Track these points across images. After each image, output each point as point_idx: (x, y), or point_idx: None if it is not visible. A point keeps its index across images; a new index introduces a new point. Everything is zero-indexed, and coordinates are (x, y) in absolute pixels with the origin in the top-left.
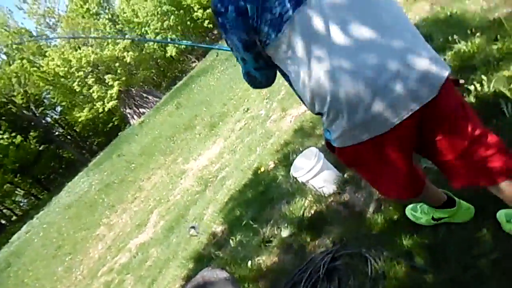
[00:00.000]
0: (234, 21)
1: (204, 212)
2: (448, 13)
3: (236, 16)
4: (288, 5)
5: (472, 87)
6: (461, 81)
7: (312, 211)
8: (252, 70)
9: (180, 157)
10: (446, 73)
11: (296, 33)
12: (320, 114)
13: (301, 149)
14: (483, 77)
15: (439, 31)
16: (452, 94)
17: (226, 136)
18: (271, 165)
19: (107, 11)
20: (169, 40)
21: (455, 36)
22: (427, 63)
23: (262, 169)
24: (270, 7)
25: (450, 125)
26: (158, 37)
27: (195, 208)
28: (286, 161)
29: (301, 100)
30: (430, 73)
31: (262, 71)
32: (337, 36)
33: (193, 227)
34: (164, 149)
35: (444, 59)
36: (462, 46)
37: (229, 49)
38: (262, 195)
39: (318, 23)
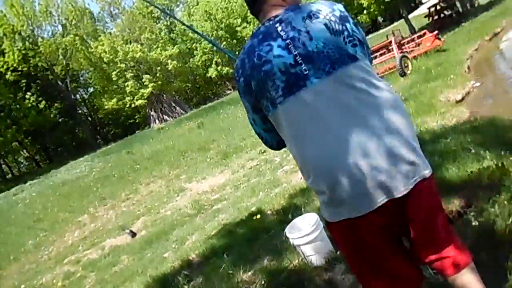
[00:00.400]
0: (243, 88)
1: (187, 237)
2: (485, 126)
3: (244, 85)
4: (281, 92)
5: (491, 210)
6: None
7: (293, 278)
8: (262, 132)
9: (185, 174)
10: (423, 172)
11: (285, 116)
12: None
13: (303, 210)
14: (505, 203)
15: (471, 141)
16: (427, 196)
17: (234, 170)
18: (269, 215)
19: (167, 18)
20: (205, 35)
21: (486, 152)
22: (406, 161)
23: (258, 216)
24: (268, 89)
25: (416, 228)
26: (205, 57)
27: (180, 229)
28: (284, 216)
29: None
30: (406, 171)
31: (271, 133)
32: (321, 126)
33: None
34: (172, 161)
35: (471, 172)
36: (491, 163)
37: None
38: (249, 242)
39: (305, 112)
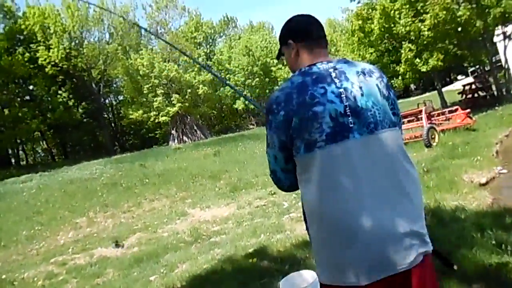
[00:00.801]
0: (279, 123)
1: (178, 264)
2: (509, 217)
3: (282, 120)
4: (324, 137)
5: None
6: (455, 266)
7: None
8: (279, 171)
9: (190, 198)
10: (430, 247)
11: (320, 161)
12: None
13: (301, 264)
14: None
15: (492, 230)
16: (425, 276)
17: (241, 205)
18: (265, 261)
19: (208, 46)
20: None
21: (508, 247)
22: (420, 235)
23: (255, 260)
24: (310, 130)
25: None
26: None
27: (173, 255)
28: (281, 266)
29: (304, 218)
30: (419, 244)
31: (288, 174)
32: (354, 181)
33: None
34: (182, 183)
35: (489, 265)
36: (510, 259)
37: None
38: (239, 286)
39: (342, 164)
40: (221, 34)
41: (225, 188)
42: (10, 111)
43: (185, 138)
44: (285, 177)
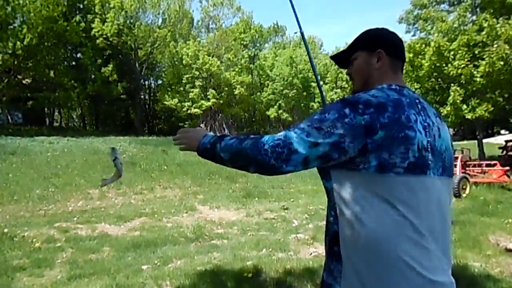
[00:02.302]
0: (357, 126)
1: (173, 259)
2: None
3: (363, 125)
4: (406, 165)
5: None
6: None
7: None
8: (300, 154)
9: (202, 195)
10: None
11: (395, 189)
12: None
13: None
14: None
15: None
16: None
17: (250, 213)
18: (261, 278)
19: (252, 49)
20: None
21: None
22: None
23: (250, 275)
24: (393, 152)
25: None
26: (272, 96)
27: (171, 248)
28: (276, 286)
29: (327, 244)
30: None
31: (303, 167)
32: (423, 222)
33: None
34: (198, 178)
35: None
36: None
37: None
38: None
39: (414, 198)
40: (268, 40)
41: (239, 192)
42: (55, 74)
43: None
44: (296, 164)
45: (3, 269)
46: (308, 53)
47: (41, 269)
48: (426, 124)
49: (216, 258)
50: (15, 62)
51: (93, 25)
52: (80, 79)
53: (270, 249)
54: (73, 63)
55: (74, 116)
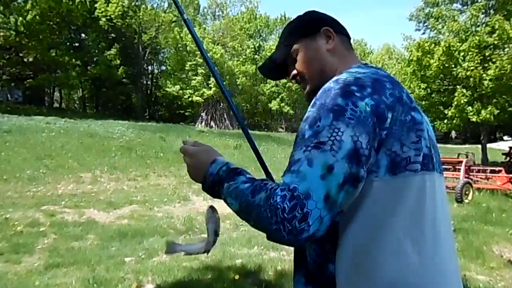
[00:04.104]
0: (366, 114)
1: (159, 252)
2: None
3: (370, 111)
4: (420, 158)
5: None
6: None
7: None
8: (324, 197)
9: (197, 185)
10: None
11: (412, 194)
12: None
13: None
14: None
15: None
16: None
17: None
18: (249, 280)
19: (258, 40)
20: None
21: None
22: None
23: (237, 276)
24: (405, 141)
25: None
26: (275, 88)
27: (158, 240)
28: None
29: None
30: None
31: (335, 209)
32: (435, 229)
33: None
34: None
35: None
36: None
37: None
38: None
39: (428, 201)
40: (275, 32)
41: None
42: (57, 54)
43: (212, 123)
44: (327, 213)
45: None
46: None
47: (19, 255)
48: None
49: (204, 254)
50: (17, 39)
51: (96, 5)
52: (83, 61)
53: (262, 247)
54: (76, 44)
55: (75, 98)
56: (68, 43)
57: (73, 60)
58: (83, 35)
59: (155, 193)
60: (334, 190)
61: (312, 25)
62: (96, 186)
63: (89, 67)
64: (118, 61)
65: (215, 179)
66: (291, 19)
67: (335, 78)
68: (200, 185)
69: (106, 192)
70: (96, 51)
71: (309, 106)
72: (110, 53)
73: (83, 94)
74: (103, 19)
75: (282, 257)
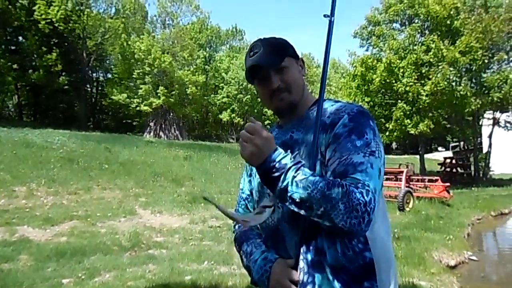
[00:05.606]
0: (379, 137)
1: (101, 272)
2: None
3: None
4: None
5: None
6: None
7: None
8: (379, 190)
9: (145, 198)
10: None
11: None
12: None
13: None
14: None
15: None
16: None
17: (194, 220)
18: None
19: (208, 50)
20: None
21: None
22: None
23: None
24: None
25: None
26: (226, 99)
27: (101, 258)
28: None
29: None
30: None
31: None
32: None
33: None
34: (141, 179)
35: None
36: None
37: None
38: None
39: None
40: (225, 43)
41: (185, 196)
42: None
43: (161, 133)
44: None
45: None
46: None
47: None
48: None
49: (151, 271)
50: None
51: (35, 8)
52: (20, 65)
53: (212, 262)
54: (13, 47)
55: (10, 105)
56: (3, 46)
57: (9, 63)
58: (20, 38)
59: (98, 208)
60: (380, 187)
61: (294, 50)
62: (32, 200)
63: (27, 73)
64: (60, 67)
65: (276, 165)
66: (275, 37)
67: (359, 104)
68: (146, 199)
69: (43, 207)
70: (35, 55)
71: (344, 119)
72: (49, 57)
73: (19, 101)
74: (43, 22)
75: (233, 272)
